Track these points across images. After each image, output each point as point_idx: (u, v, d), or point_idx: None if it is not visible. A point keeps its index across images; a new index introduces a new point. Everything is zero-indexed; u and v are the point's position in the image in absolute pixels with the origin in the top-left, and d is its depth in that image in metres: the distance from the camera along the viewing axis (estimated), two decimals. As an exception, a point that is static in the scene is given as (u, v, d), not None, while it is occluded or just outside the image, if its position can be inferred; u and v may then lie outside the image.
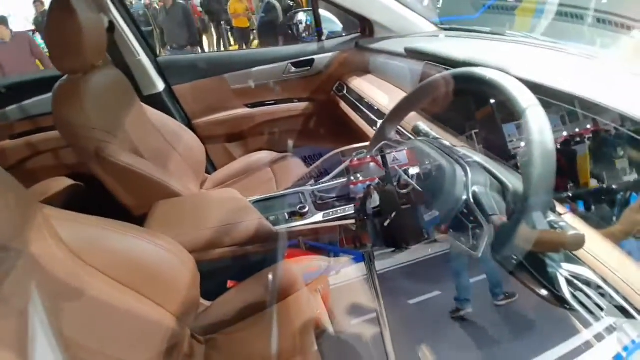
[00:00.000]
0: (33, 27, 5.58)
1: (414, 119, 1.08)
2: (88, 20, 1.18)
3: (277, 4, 5.54)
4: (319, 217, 1.14)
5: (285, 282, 1.04)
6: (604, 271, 0.59)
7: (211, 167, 1.98)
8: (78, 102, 1.17)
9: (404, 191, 0.69)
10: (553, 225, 0.53)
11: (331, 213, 1.14)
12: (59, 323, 0.66)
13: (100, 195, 1.29)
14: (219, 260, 1.05)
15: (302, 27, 2.09)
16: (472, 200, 0.60)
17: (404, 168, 0.72)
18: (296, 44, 2.10)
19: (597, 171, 0.78)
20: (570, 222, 0.66)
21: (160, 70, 1.82)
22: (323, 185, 1.25)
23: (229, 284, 1.11)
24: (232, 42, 7.02)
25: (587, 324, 0.54)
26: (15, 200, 0.67)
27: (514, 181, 0.61)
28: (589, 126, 0.78)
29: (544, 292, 0.56)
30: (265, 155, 1.83)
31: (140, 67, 1.75)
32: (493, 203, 0.58)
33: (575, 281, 0.56)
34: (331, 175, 1.23)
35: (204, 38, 7.17)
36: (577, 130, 0.79)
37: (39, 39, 4.80)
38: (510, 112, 0.57)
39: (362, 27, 1.91)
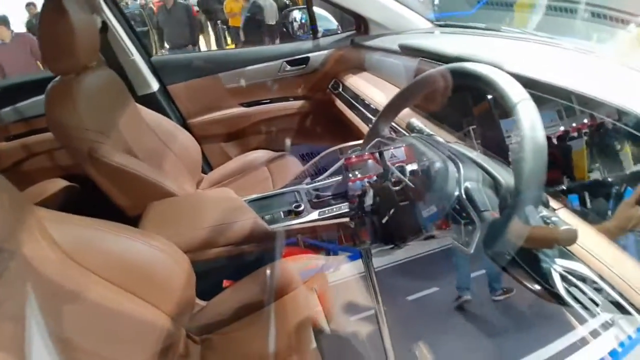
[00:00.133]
0: (25, 31, 5.54)
1: (409, 116, 1.08)
2: (80, 20, 1.18)
3: (263, 4, 5.56)
4: (314, 215, 1.13)
5: (281, 281, 1.04)
6: (598, 266, 0.58)
7: (207, 166, 1.97)
8: (70, 103, 1.16)
9: (396, 188, 0.69)
10: (545, 220, 0.52)
11: (327, 211, 1.14)
12: (53, 325, 0.66)
13: (96, 196, 1.28)
14: (214, 260, 1.05)
15: (296, 25, 2.08)
16: (464, 196, 0.60)
17: (397, 165, 0.72)
18: (290, 41, 2.09)
19: (593, 166, 0.78)
20: (565, 217, 0.66)
21: (155, 70, 1.82)
22: (318, 183, 1.24)
23: (225, 283, 1.10)
24: (229, 42, 7.01)
25: (582, 320, 0.54)
26: (7, 202, 0.67)
27: (506, 176, 0.61)
28: (585, 121, 0.78)
29: (538, 288, 0.55)
30: (261, 154, 1.83)
31: (134, 67, 1.74)
32: (485, 199, 0.58)
33: (570, 277, 0.55)
34: (326, 173, 1.23)
35: (201, 37, 7.15)
36: (573, 124, 0.79)
37: (35, 41, 4.78)
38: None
39: (357, 24, 1.90)
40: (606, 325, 0.52)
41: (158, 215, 1.10)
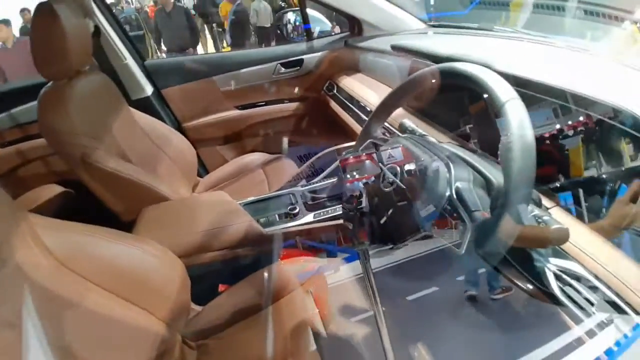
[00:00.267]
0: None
1: (402, 116, 1.08)
2: (72, 25, 1.17)
3: (257, 7, 5.63)
4: (309, 217, 1.13)
5: (276, 284, 1.03)
6: (593, 265, 0.58)
7: (203, 170, 1.97)
8: (62, 109, 1.15)
9: (388, 189, 0.68)
10: (537, 219, 0.52)
11: (322, 213, 1.13)
12: (47, 332, 0.66)
13: (91, 202, 1.27)
14: (209, 264, 1.04)
15: (290, 27, 2.07)
16: (454, 196, 0.59)
17: (390, 166, 0.71)
18: (284, 43, 2.09)
19: (589, 163, 0.77)
20: (558, 215, 0.66)
21: (148, 73, 1.81)
22: (314, 185, 1.24)
23: (220, 287, 1.09)
24: (225, 45, 7.01)
25: (577, 320, 0.53)
26: (-1, 208, 0.67)
27: (499, 176, 0.60)
28: (581, 118, 0.77)
29: (532, 288, 0.55)
30: (257, 157, 1.83)
31: (128, 71, 1.73)
32: (476, 199, 0.57)
33: (564, 276, 0.55)
34: (322, 175, 1.23)
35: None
36: (569, 122, 0.79)
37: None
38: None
39: (350, 25, 1.91)
40: (602, 325, 0.52)
41: (152, 220, 1.10)
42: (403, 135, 0.86)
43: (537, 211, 0.54)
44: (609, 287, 0.55)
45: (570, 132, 0.79)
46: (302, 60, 1.92)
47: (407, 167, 0.69)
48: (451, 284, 1.62)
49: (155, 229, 1.07)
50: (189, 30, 5.51)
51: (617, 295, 0.54)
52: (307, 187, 1.24)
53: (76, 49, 1.20)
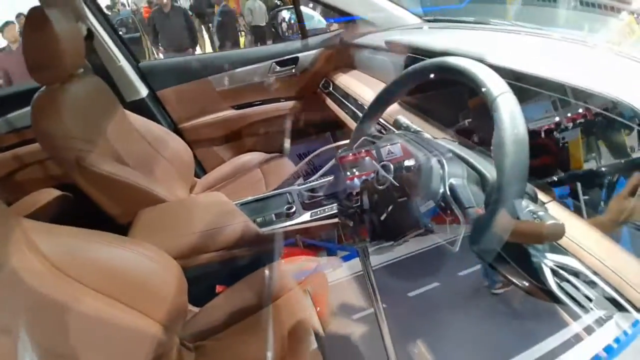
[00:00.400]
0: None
1: (397, 113, 1.07)
2: (64, 29, 1.16)
3: (251, 6, 5.66)
4: (306, 216, 1.12)
5: (274, 284, 1.02)
6: (590, 260, 0.57)
7: (201, 171, 1.96)
8: (56, 113, 1.14)
9: (381, 187, 0.67)
10: (532, 214, 0.51)
11: (319, 212, 1.13)
12: (43, 337, 0.66)
13: (89, 205, 1.27)
14: (206, 266, 1.04)
15: (285, 25, 2.06)
16: (448, 193, 0.58)
17: (383, 163, 0.70)
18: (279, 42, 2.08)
19: (588, 156, 0.76)
20: (555, 210, 0.65)
21: (143, 75, 1.80)
22: (310, 184, 1.23)
23: (218, 288, 1.09)
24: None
25: (575, 316, 0.53)
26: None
27: (493, 172, 0.59)
28: (580, 111, 0.77)
29: (528, 285, 0.54)
30: (254, 157, 1.82)
31: (122, 73, 1.72)
32: (470, 195, 0.57)
33: (561, 271, 0.54)
34: (318, 173, 1.22)
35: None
36: (568, 115, 0.78)
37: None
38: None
39: (345, 22, 1.89)
40: (600, 321, 0.51)
41: (148, 223, 1.09)
42: (397, 132, 0.85)
43: (532, 206, 0.53)
44: (607, 283, 0.54)
45: (569, 125, 0.78)
46: (297, 58, 1.91)
47: (406, 163, 0.68)
48: (452, 279, 1.62)
49: (152, 231, 1.06)
50: (188, 30, 5.50)
51: (616, 291, 0.53)
52: (303, 186, 1.23)
53: (69, 53, 1.19)
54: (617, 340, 0.48)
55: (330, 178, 1.04)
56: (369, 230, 0.75)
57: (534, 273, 0.54)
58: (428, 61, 0.69)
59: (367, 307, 1.52)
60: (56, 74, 1.21)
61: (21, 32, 4.94)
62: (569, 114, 0.78)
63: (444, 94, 1.08)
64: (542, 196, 0.67)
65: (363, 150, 0.74)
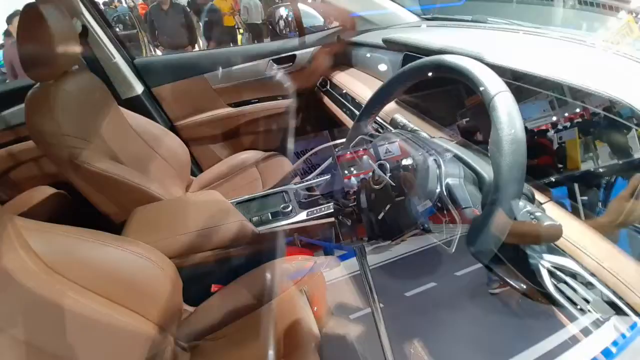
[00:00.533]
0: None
1: (395, 111, 1.06)
2: (59, 26, 1.15)
3: (247, 4, 5.59)
4: (303, 215, 1.12)
5: (269, 283, 1.02)
6: (588, 262, 0.57)
7: (197, 169, 1.95)
8: (49, 110, 1.13)
9: (378, 187, 0.67)
10: (529, 215, 0.50)
11: (315, 211, 1.12)
12: (34, 337, 0.65)
13: (85, 203, 1.26)
14: (201, 265, 1.03)
15: (282, 22, 2.05)
16: (445, 193, 0.58)
17: (379, 162, 0.70)
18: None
19: (585, 156, 0.76)
20: (552, 211, 0.65)
21: (138, 72, 1.78)
22: (307, 183, 1.23)
23: (213, 288, 1.08)
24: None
25: (572, 318, 0.52)
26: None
27: (490, 171, 0.59)
28: (578, 110, 0.76)
29: (525, 287, 0.53)
30: (251, 155, 1.81)
31: (117, 69, 1.70)
32: (466, 195, 0.56)
33: (559, 273, 0.54)
34: (315, 172, 1.22)
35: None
36: (566, 114, 0.77)
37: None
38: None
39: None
40: (597, 323, 0.51)
41: (142, 221, 1.08)
42: (394, 131, 0.84)
43: (529, 207, 0.52)
44: (605, 285, 0.53)
45: (567, 125, 0.78)
46: (294, 56, 1.90)
47: (404, 162, 0.67)
48: (449, 279, 1.62)
49: (146, 230, 1.05)
50: (187, 29, 5.47)
51: (614, 293, 0.53)
52: (300, 185, 1.23)
53: (63, 50, 1.18)
54: (615, 343, 0.48)
55: (327, 177, 1.03)
56: (367, 230, 0.75)
57: (531, 274, 0.53)
58: (425, 59, 0.68)
59: (365, 307, 1.52)
60: (50, 71, 1.19)
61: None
62: (566, 114, 0.77)
63: (441, 92, 1.07)
64: (539, 197, 0.66)
65: (361, 149, 0.73)
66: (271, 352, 0.90)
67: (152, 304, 0.83)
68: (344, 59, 1.88)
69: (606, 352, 0.47)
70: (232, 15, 6.02)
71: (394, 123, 0.90)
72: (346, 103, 1.60)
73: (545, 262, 0.53)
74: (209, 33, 5.63)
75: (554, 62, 0.83)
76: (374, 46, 1.60)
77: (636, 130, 0.64)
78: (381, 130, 1.09)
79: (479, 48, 0.90)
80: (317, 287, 1.11)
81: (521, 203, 0.52)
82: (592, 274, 0.54)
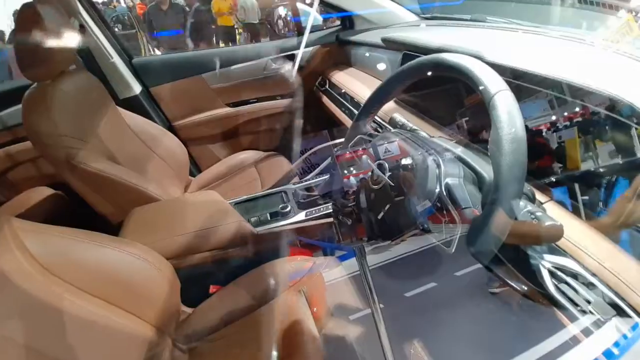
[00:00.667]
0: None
1: (394, 110, 1.06)
2: (56, 25, 1.14)
3: (243, 4, 5.64)
4: (301, 215, 1.11)
5: (268, 284, 1.01)
6: (589, 262, 0.56)
7: (195, 169, 1.94)
8: (46, 110, 1.13)
9: (377, 187, 0.66)
10: (530, 215, 0.50)
11: (314, 211, 1.12)
12: (31, 339, 0.65)
13: (82, 203, 1.26)
14: (199, 266, 1.02)
15: (281, 22, 2.04)
16: (444, 193, 0.57)
17: (378, 162, 0.69)
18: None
19: (585, 156, 0.75)
20: (553, 210, 0.64)
21: (137, 72, 1.77)
22: (306, 183, 1.22)
23: (212, 289, 1.07)
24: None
25: (573, 318, 0.52)
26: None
27: (490, 171, 0.58)
28: (577, 109, 0.76)
29: (525, 288, 0.53)
30: (249, 155, 1.81)
31: (114, 69, 1.69)
32: (466, 195, 0.55)
33: (559, 273, 0.53)
34: (314, 172, 1.21)
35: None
36: (565, 114, 0.77)
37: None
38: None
39: (342, 19, 1.88)
40: (598, 323, 0.50)
41: (140, 222, 1.08)
42: (393, 130, 0.84)
43: (530, 207, 0.52)
44: (606, 285, 0.53)
45: (567, 124, 0.77)
46: (293, 55, 1.89)
47: (403, 161, 0.67)
48: (449, 279, 1.61)
49: (144, 231, 1.05)
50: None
51: (615, 293, 0.52)
52: (299, 185, 1.22)
53: (60, 50, 1.17)
54: (616, 344, 0.47)
55: (326, 177, 1.03)
56: (366, 230, 0.74)
57: (532, 275, 0.53)
58: (424, 58, 0.68)
59: (364, 308, 1.51)
60: (47, 71, 1.19)
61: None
62: (566, 113, 0.77)
63: (440, 91, 1.07)
64: (539, 196, 0.65)
65: (360, 149, 0.73)
66: (270, 354, 0.90)
67: (149, 305, 0.83)
68: (342, 59, 1.87)
69: (608, 354, 0.46)
70: (231, 15, 6.02)
71: (393, 122, 0.89)
72: (345, 102, 1.59)
73: (546, 262, 0.53)
74: (197, 35, 5.61)
75: (554, 60, 0.82)
76: (373, 45, 1.60)
77: (636, 129, 0.64)
78: (380, 130, 1.09)
79: (478, 47, 0.90)
80: (317, 288, 1.11)
81: (522, 203, 0.52)
82: (593, 274, 0.54)
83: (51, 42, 1.14)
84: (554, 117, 0.79)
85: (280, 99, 1.97)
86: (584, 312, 0.51)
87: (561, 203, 0.67)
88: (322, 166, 1.15)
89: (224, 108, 1.93)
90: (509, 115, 0.49)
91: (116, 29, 5.62)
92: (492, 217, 0.47)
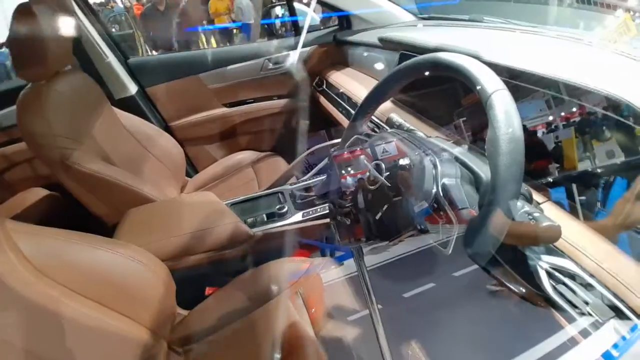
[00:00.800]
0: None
1: (391, 110, 1.05)
2: (51, 26, 1.14)
3: (239, 3, 5.59)
4: (298, 216, 1.10)
5: (264, 286, 1.00)
6: (587, 263, 0.55)
7: (192, 170, 1.93)
8: (40, 111, 1.12)
9: (373, 187, 0.65)
10: (527, 216, 0.49)
11: (311, 212, 1.11)
12: (25, 341, 0.64)
13: (78, 204, 1.25)
14: (195, 267, 1.01)
15: (278, 22, 2.04)
16: (441, 193, 0.56)
17: (375, 162, 0.68)
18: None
19: (582, 156, 0.75)
20: (550, 211, 0.63)
21: (132, 72, 1.76)
22: (302, 183, 1.21)
23: (207, 290, 1.07)
24: (214, 43, 6.93)
25: (571, 319, 0.51)
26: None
27: (487, 171, 0.58)
28: (574, 109, 0.75)
29: (523, 290, 0.52)
30: (246, 156, 1.80)
31: (110, 69, 1.68)
32: (463, 196, 0.55)
33: (557, 274, 0.53)
34: (311, 173, 1.20)
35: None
36: (562, 113, 0.77)
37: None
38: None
39: (339, 19, 1.88)
40: (597, 325, 0.49)
41: (135, 223, 1.07)
42: (390, 130, 0.83)
43: (527, 207, 0.51)
44: (604, 286, 0.52)
45: (564, 123, 0.77)
46: (290, 55, 1.88)
47: (401, 161, 0.66)
48: (447, 279, 1.61)
49: (139, 232, 1.04)
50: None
51: (614, 294, 0.51)
52: (296, 186, 1.21)
53: (55, 50, 1.16)
54: (615, 345, 0.47)
55: (323, 177, 1.02)
56: (364, 230, 0.73)
57: (529, 276, 0.52)
58: (421, 57, 0.67)
59: (363, 309, 1.50)
60: (42, 71, 1.18)
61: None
62: (563, 113, 0.77)
63: (438, 91, 1.06)
64: (537, 197, 0.65)
65: (358, 149, 0.72)
66: (268, 356, 0.89)
67: (143, 307, 0.82)
68: (340, 59, 1.87)
69: (607, 356, 0.46)
70: (228, 15, 6.00)
71: (389, 122, 0.88)
72: (342, 103, 1.58)
73: (544, 263, 0.52)
74: (182, 36, 5.58)
75: (551, 60, 0.82)
76: (370, 45, 1.60)
77: (634, 128, 0.63)
78: (377, 130, 1.08)
79: (475, 46, 0.89)
80: (314, 289, 1.10)
81: (519, 203, 0.51)
82: (592, 275, 0.53)
83: (46, 43, 1.13)
84: (551, 117, 0.79)
85: (277, 99, 1.96)
86: (582, 313, 0.50)
87: (559, 203, 0.67)
88: (318, 167, 1.15)
89: (220, 108, 1.93)
90: (506, 115, 0.48)
91: (113, 30, 5.61)
92: (489, 218, 0.46)
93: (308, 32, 1.96)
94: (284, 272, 1.06)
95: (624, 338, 0.47)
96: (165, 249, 0.98)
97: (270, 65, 1.87)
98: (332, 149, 0.85)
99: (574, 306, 0.51)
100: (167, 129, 1.83)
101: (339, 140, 0.97)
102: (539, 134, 0.81)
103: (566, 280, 0.52)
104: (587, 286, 0.53)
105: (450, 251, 0.54)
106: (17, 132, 1.63)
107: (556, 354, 0.47)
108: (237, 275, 1.05)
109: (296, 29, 1.96)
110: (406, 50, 1.21)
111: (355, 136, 0.82)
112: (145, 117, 1.70)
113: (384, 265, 1.72)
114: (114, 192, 1.17)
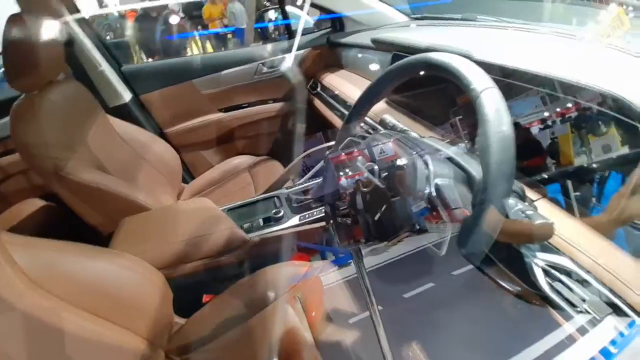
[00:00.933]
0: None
1: (385, 111, 1.05)
2: (44, 35, 1.13)
3: (232, 8, 5.62)
4: (295, 220, 1.10)
5: (262, 291, 0.99)
6: (583, 259, 0.55)
7: (188, 176, 1.92)
8: (33, 121, 1.11)
9: (366, 189, 0.65)
10: (521, 214, 0.49)
11: (307, 215, 1.10)
12: (20, 354, 0.63)
13: (75, 215, 1.24)
14: (191, 275, 1.00)
15: (271, 26, 2.04)
16: (434, 194, 0.56)
17: (367, 165, 0.68)
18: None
19: (577, 151, 0.75)
20: (545, 208, 0.63)
21: (126, 79, 1.75)
22: (299, 187, 1.21)
23: (205, 298, 1.06)
24: (210, 48, 6.94)
25: (569, 317, 0.51)
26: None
27: (480, 171, 0.57)
28: (570, 105, 0.75)
29: (519, 289, 0.52)
30: (243, 160, 1.79)
31: (104, 78, 1.67)
32: (456, 196, 0.54)
33: (553, 271, 0.52)
34: (306, 176, 1.20)
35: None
36: (557, 110, 0.76)
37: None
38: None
39: (332, 21, 1.87)
40: (594, 322, 0.49)
41: (130, 232, 1.06)
42: (383, 132, 0.83)
43: (520, 205, 0.51)
44: (601, 282, 0.52)
45: (559, 120, 0.77)
46: (284, 59, 1.88)
47: (398, 162, 0.66)
48: (447, 279, 1.60)
49: (134, 241, 1.03)
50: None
51: (610, 290, 0.51)
52: (292, 189, 1.21)
53: (47, 59, 1.16)
54: (613, 342, 0.46)
55: (320, 180, 1.02)
56: (364, 231, 0.73)
57: (525, 274, 0.52)
58: (411, 57, 0.67)
59: (363, 311, 1.50)
60: (35, 81, 1.18)
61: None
62: (558, 109, 0.76)
63: (431, 91, 1.06)
64: (532, 194, 0.64)
65: (355, 150, 0.72)
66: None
67: (140, 317, 0.81)
68: (334, 61, 1.87)
69: (605, 352, 0.45)
70: (221, 20, 6.02)
71: (383, 124, 0.88)
72: (337, 105, 1.58)
73: (539, 260, 0.52)
74: (166, 44, 5.59)
75: (545, 57, 0.82)
76: (363, 47, 1.60)
77: (629, 123, 0.63)
78: (371, 132, 1.08)
79: (467, 46, 0.89)
80: (314, 293, 1.09)
81: (512, 201, 0.51)
82: (588, 272, 0.53)
83: (39, 52, 1.12)
84: (546, 114, 0.79)
85: (272, 103, 1.96)
86: (579, 310, 0.50)
87: (554, 200, 0.66)
88: (314, 170, 1.14)
89: (215, 113, 1.92)
90: (496, 113, 0.48)
91: (107, 37, 5.62)
92: (481, 217, 0.46)
93: (302, 35, 1.97)
94: (281, 277, 1.05)
95: (621, 334, 0.47)
96: (161, 257, 0.98)
97: (265, 69, 1.87)
98: (327, 152, 0.85)
99: (571, 303, 0.50)
100: (163, 136, 1.82)
101: (331, 143, 0.97)
102: (535, 131, 0.80)
103: (562, 277, 0.52)
104: (584, 283, 0.52)
105: (444, 252, 0.54)
106: (12, 143, 1.64)
107: (554, 351, 0.47)
108: (235, 282, 1.04)
109: (289, 32, 1.96)
110: (398, 51, 1.21)
111: (349, 138, 0.82)
112: (140, 124, 1.69)
113: (383, 266, 1.71)
114: (108, 201, 1.16)
